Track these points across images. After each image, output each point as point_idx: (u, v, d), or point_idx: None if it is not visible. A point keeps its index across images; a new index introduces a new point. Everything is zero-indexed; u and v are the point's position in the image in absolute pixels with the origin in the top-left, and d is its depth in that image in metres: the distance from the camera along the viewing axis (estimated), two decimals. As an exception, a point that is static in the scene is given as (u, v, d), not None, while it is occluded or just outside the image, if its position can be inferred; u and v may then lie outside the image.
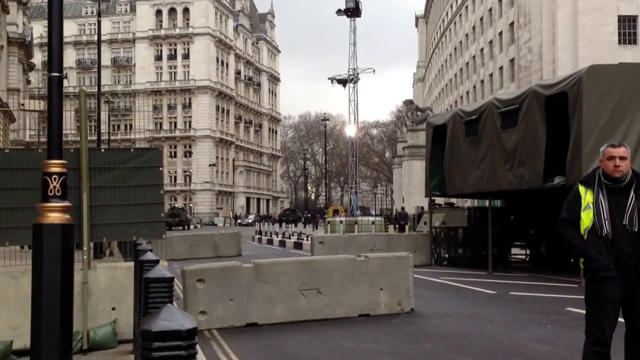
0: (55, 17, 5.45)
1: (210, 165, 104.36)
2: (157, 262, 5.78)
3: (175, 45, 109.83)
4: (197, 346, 6.96)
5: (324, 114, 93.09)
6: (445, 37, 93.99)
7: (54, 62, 5.40)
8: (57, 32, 5.44)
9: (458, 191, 20.82)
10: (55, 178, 5.22)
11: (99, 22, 28.01)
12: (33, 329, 5.07)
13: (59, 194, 5.22)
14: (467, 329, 9.83)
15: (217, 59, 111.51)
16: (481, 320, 10.51)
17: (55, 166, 5.24)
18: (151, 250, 6.59)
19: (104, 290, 8.15)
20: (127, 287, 8.10)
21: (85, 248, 7.76)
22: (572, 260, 18.35)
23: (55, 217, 5.16)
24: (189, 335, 2.56)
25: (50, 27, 5.42)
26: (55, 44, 5.42)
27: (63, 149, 5.45)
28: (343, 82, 52.81)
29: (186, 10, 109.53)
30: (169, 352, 2.54)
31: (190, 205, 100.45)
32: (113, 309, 8.16)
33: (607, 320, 5.18)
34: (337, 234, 26.70)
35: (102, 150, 8.74)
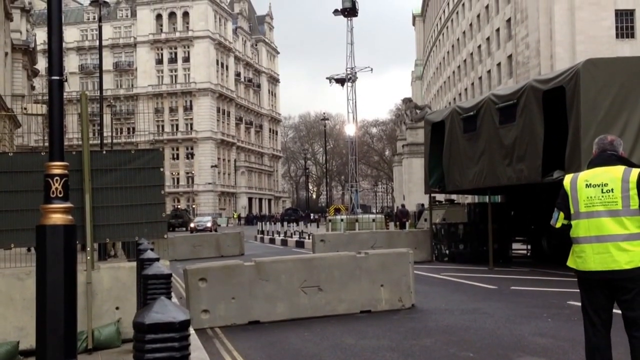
0: (54, 22, 5.54)
1: (212, 166, 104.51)
2: (156, 259, 5.86)
3: (176, 48, 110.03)
4: (197, 339, 7.03)
5: (324, 113, 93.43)
6: (443, 34, 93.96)
7: (54, 65, 5.49)
8: (57, 37, 5.53)
9: (457, 187, 20.85)
10: (57, 180, 5.30)
11: (100, 28, 28.19)
12: (38, 329, 5.14)
13: (61, 195, 5.29)
14: (468, 323, 9.87)
15: (217, 61, 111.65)
16: (482, 315, 10.54)
17: (57, 168, 5.32)
18: (152, 250, 6.67)
19: (108, 290, 8.22)
20: (130, 286, 8.17)
21: (88, 249, 7.84)
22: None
23: (57, 218, 5.23)
24: (182, 327, 2.59)
25: (49, 31, 5.52)
26: (55, 48, 5.51)
27: (65, 152, 5.53)
28: (341, 81, 52.73)
29: (186, 14, 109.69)
30: (162, 344, 2.56)
31: (193, 206, 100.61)
32: (117, 308, 8.23)
33: None
34: (338, 232, 26.76)
35: (104, 152, 8.82)
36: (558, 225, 5.46)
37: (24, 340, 7.60)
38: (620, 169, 5.27)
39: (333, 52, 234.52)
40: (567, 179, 5.46)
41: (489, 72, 68.25)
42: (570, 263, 5.42)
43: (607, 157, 5.40)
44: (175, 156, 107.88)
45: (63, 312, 5.10)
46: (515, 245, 22.64)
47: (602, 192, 5.20)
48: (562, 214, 5.42)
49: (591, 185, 5.26)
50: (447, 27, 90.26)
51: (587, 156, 14.10)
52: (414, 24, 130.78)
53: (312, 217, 70.40)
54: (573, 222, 5.33)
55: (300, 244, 31.51)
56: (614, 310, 5.34)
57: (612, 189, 5.17)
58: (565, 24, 51.19)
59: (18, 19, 47.47)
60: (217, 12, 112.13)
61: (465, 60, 78.81)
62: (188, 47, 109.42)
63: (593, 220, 5.20)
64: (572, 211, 5.34)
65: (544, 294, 12.92)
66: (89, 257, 7.85)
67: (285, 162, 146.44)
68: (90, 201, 7.84)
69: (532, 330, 9.18)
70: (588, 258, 5.19)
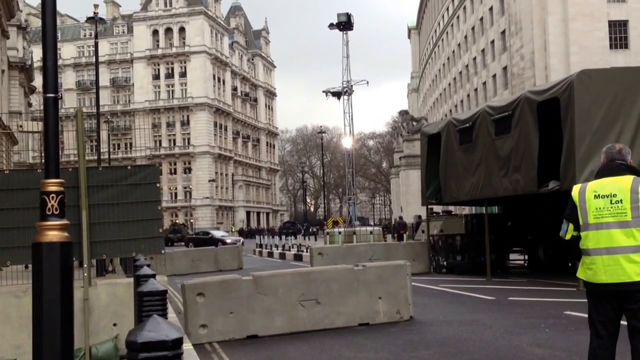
0: (49, 40, 5.57)
1: (209, 180, 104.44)
2: (152, 276, 5.86)
3: (172, 64, 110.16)
4: (195, 355, 7.03)
5: (321, 126, 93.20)
6: (438, 47, 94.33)
7: (49, 83, 5.52)
8: (52, 54, 5.56)
9: (454, 199, 20.89)
10: (53, 197, 5.32)
11: (97, 44, 28.37)
12: (35, 347, 5.14)
13: (57, 212, 5.31)
14: (466, 335, 9.88)
15: (214, 76, 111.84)
16: (480, 326, 10.55)
17: (53, 185, 5.34)
18: (149, 266, 6.68)
19: (105, 307, 8.22)
20: (127, 302, 8.17)
21: (85, 265, 7.84)
22: (570, 264, 18.42)
23: (53, 235, 5.25)
24: (175, 345, 2.60)
25: (44, 49, 5.54)
26: (49, 65, 5.54)
27: (62, 169, 5.55)
28: (337, 94, 52.74)
29: (182, 30, 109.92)
30: (155, 362, 2.55)
31: (191, 220, 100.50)
32: (114, 324, 8.23)
33: None
34: (336, 245, 26.76)
35: (100, 169, 8.83)
36: (568, 237, 5.40)
37: (21, 358, 7.58)
38: (629, 179, 5.20)
39: (329, 65, 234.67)
40: (576, 190, 5.38)
41: (484, 83, 68.48)
42: (580, 274, 5.37)
43: (615, 167, 5.32)
44: (172, 171, 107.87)
45: (60, 330, 5.10)
46: (512, 256, 22.65)
47: (611, 203, 5.13)
48: (571, 226, 5.35)
49: (600, 196, 5.19)
50: (442, 40, 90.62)
51: (581, 166, 14.19)
52: (409, 37, 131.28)
53: (310, 230, 70.44)
54: (582, 234, 5.26)
55: (298, 257, 31.51)
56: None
57: (620, 200, 5.11)
58: (559, 35, 51.46)
59: (15, 37, 47.57)
60: (213, 27, 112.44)
61: (460, 72, 79.10)
62: (185, 62, 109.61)
63: (602, 232, 5.14)
64: (581, 222, 5.27)
65: (541, 304, 12.92)
66: (86, 274, 7.85)
67: (282, 175, 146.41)
68: (87, 218, 7.85)
69: (529, 340, 9.19)
70: (598, 270, 5.14)
